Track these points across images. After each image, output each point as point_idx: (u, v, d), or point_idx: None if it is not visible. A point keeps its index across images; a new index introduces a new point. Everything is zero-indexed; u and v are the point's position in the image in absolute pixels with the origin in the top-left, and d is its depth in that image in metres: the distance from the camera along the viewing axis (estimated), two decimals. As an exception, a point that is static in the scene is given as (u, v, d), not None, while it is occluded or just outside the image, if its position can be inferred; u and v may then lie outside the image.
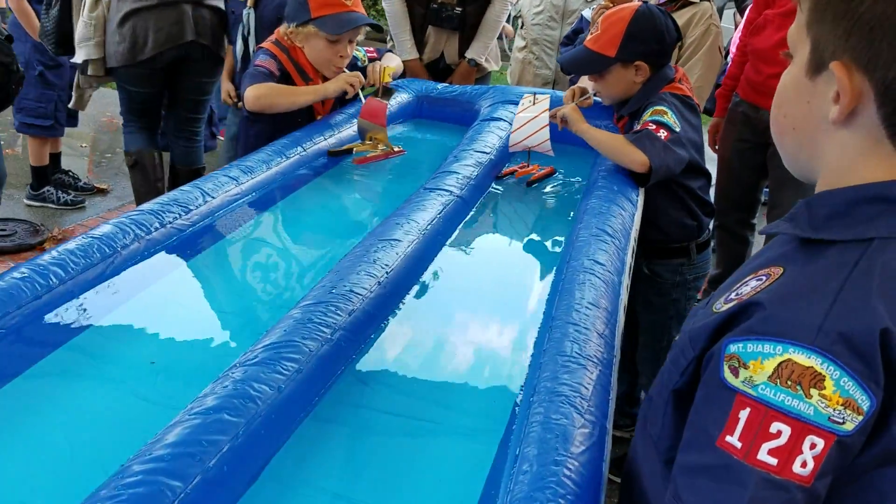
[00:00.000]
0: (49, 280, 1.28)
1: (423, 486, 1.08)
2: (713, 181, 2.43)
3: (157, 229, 1.54)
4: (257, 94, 2.20)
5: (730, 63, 3.41)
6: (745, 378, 0.71)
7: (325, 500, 1.05)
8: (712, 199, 2.37)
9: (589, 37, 2.11)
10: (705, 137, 2.21)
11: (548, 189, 2.26)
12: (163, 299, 1.45)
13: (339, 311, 1.27)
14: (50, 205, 3.97)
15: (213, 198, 1.73)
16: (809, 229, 0.78)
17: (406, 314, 1.47)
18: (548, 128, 2.15)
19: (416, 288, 1.56)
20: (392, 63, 2.69)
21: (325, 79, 2.40)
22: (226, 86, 3.35)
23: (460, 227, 1.88)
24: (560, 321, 1.32)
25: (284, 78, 2.31)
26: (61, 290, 1.29)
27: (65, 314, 1.30)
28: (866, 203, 0.75)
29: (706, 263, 2.37)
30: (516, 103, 2.81)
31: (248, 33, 3.12)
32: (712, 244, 2.34)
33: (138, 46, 3.10)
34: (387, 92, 2.37)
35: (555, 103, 2.33)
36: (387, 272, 1.44)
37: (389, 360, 1.33)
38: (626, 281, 1.58)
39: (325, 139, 2.26)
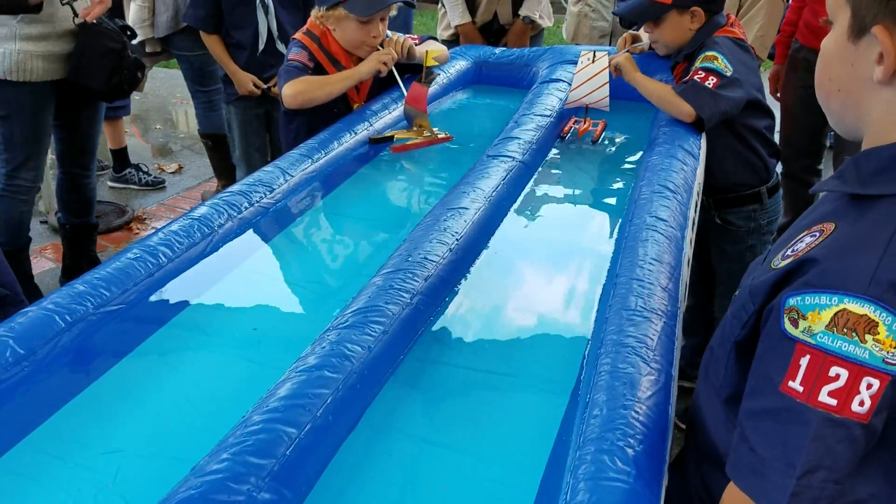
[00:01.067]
0: (159, 259, 1.43)
1: (503, 431, 1.19)
2: (776, 128, 2.44)
3: (246, 208, 1.68)
4: (294, 91, 2.19)
5: (787, 9, 3.35)
6: (804, 328, 0.78)
7: (414, 445, 1.17)
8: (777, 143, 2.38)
9: None
10: (766, 83, 2.27)
11: (608, 144, 2.32)
12: (257, 273, 1.59)
13: (416, 277, 1.38)
14: (132, 186, 4.20)
15: (292, 176, 1.86)
16: (858, 185, 0.83)
17: (477, 277, 1.58)
18: (608, 85, 2.20)
19: (485, 252, 1.66)
20: (434, 47, 2.61)
21: (359, 62, 2.37)
22: (240, 76, 3.18)
23: (525, 190, 1.96)
24: (624, 277, 1.40)
25: (317, 69, 2.30)
26: (170, 267, 1.44)
27: (173, 291, 1.46)
28: None
29: (779, 207, 2.37)
30: (574, 63, 2.86)
31: (267, 12, 3.11)
32: (780, 190, 2.35)
33: (180, 13, 3.31)
34: (428, 76, 2.34)
35: (612, 58, 2.43)
36: (457, 239, 1.55)
37: (463, 321, 1.44)
38: (689, 235, 1.65)
39: (370, 126, 2.28)
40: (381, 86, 2.48)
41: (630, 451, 0.99)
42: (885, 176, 0.82)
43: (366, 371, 1.16)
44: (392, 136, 2.22)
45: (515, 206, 1.88)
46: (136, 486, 1.02)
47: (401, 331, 1.29)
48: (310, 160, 1.96)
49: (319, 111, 2.27)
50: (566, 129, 2.28)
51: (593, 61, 2.18)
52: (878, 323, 0.75)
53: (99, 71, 2.62)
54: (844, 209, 0.85)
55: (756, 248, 2.32)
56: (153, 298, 1.41)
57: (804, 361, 0.78)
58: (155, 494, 0.94)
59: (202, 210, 1.61)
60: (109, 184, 4.21)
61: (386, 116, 2.37)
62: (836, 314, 0.76)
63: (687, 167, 1.87)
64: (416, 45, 2.54)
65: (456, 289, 1.51)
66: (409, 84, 2.34)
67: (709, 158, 2.07)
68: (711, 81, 1.94)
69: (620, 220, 1.75)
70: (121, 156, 4.18)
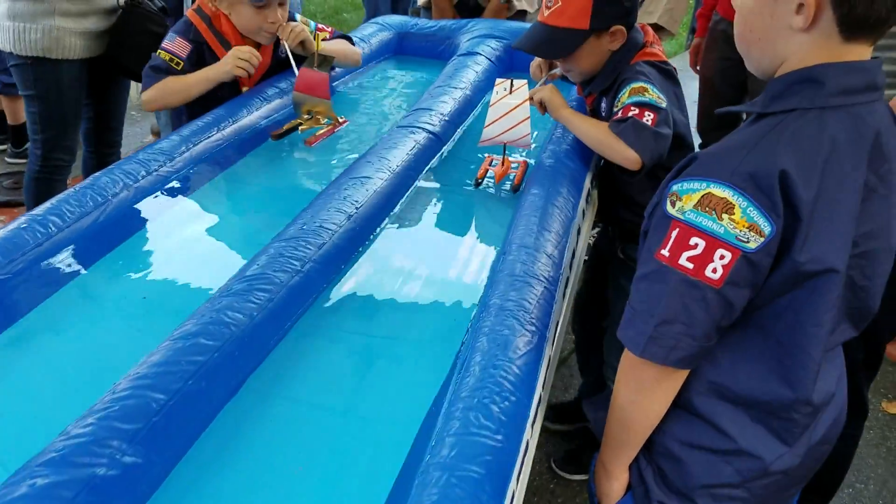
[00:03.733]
0: (48, 228, 1.42)
1: (387, 393, 1.23)
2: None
3: (143, 177, 1.67)
4: (149, 99, 2.10)
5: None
6: (678, 208, 0.94)
7: (302, 409, 1.20)
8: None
9: (545, 10, 1.72)
10: (685, 88, 1.87)
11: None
12: (150, 242, 1.59)
13: (308, 245, 1.40)
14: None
15: (194, 146, 1.85)
16: (761, 106, 0.98)
17: (376, 248, 1.61)
18: (529, 120, 1.82)
19: (386, 223, 1.69)
20: (337, 46, 2.40)
21: (252, 44, 2.20)
22: None
23: (433, 162, 1.99)
24: (514, 244, 1.45)
25: (199, 54, 2.13)
26: (60, 237, 1.43)
27: (62, 261, 1.45)
28: (797, 83, 0.94)
29: None
30: (498, 38, 2.90)
31: None
32: None
33: None
34: (324, 61, 2.21)
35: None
36: (356, 208, 1.57)
37: (359, 290, 1.47)
38: (581, 205, 1.70)
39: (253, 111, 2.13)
40: (275, 67, 2.32)
41: (494, 407, 1.04)
42: (779, 99, 0.96)
43: (246, 338, 1.18)
44: (295, 127, 2.09)
45: (421, 175, 1.90)
46: (12, 450, 1.02)
47: (289, 299, 1.31)
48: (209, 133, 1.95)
49: (202, 100, 2.12)
50: (481, 172, 1.91)
51: (510, 92, 1.80)
52: (734, 206, 0.90)
53: (140, 51, 2.57)
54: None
55: None
56: (41, 268, 1.40)
57: (674, 234, 0.94)
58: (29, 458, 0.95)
59: (97, 179, 1.59)
60: (8, 160, 4.05)
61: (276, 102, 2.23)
62: (702, 196, 0.92)
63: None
64: (328, 39, 2.39)
65: (353, 258, 1.54)
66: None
67: (617, 189, 1.90)
68: (649, 118, 1.60)
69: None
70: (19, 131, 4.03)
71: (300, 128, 2.09)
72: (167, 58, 2.10)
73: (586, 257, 2.12)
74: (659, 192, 1.02)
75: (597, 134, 1.69)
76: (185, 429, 1.05)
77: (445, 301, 1.47)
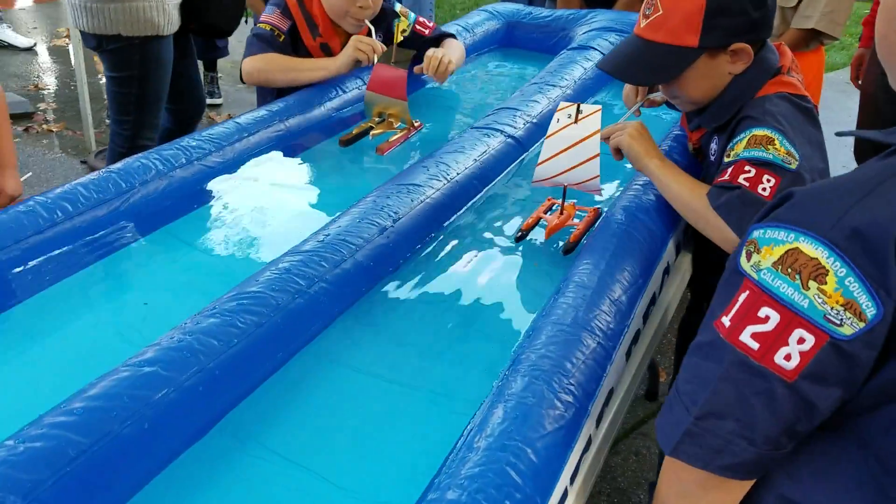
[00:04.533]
0: (54, 215, 1.30)
1: (379, 465, 1.00)
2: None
3: (182, 165, 1.53)
4: (253, 69, 1.97)
5: (878, -17, 2.92)
6: (754, 262, 0.70)
7: (271, 464, 0.98)
8: None
9: (642, 19, 1.34)
10: (847, 100, 1.49)
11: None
12: (171, 239, 1.43)
13: (322, 262, 1.19)
14: None
15: (250, 136, 1.70)
16: (882, 135, 0.71)
17: (415, 267, 1.37)
18: (599, 158, 1.37)
19: (432, 239, 1.44)
20: (446, 50, 2.10)
21: (341, 33, 2.06)
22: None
23: (511, 168, 1.72)
24: (572, 283, 1.18)
25: (291, 32, 2.01)
26: (66, 226, 1.31)
27: (62, 253, 1.32)
28: None
29: None
30: (619, 32, 2.57)
31: None
32: None
33: None
34: (402, 55, 1.93)
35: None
36: (393, 221, 1.34)
37: (377, 324, 1.24)
38: (674, 240, 1.38)
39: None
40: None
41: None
42: None
43: (217, 371, 0.99)
44: (366, 131, 1.86)
45: (488, 187, 1.64)
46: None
47: (284, 324, 1.10)
48: (275, 122, 1.79)
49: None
50: (529, 221, 1.48)
51: (576, 120, 1.36)
52: (828, 271, 0.65)
53: (233, 10, 2.65)
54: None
55: None
56: (36, 259, 1.27)
57: (742, 297, 0.70)
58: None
59: (128, 164, 1.46)
60: None
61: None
62: (786, 252, 0.68)
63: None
64: (425, 36, 2.18)
65: (380, 280, 1.31)
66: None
67: (714, 253, 1.32)
68: (768, 185, 1.18)
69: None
70: None
71: (371, 133, 1.85)
72: (268, 32, 1.97)
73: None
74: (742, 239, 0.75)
75: (690, 200, 1.29)
76: (115, 485, 0.86)
77: (479, 348, 1.21)
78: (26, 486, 0.78)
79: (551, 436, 0.90)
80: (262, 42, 1.97)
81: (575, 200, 1.50)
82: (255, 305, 1.08)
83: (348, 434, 1.03)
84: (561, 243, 1.44)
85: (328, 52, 2.06)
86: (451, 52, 2.12)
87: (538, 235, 1.47)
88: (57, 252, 1.30)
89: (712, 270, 1.41)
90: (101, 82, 4.33)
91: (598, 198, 1.58)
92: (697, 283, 1.59)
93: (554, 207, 1.50)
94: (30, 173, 3.48)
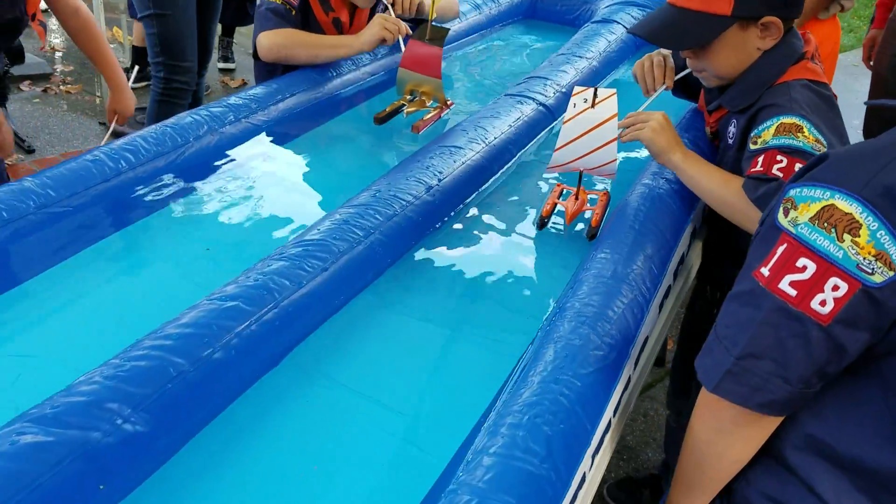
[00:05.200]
0: (119, 165, 1.37)
1: (438, 390, 1.10)
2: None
3: (230, 123, 1.60)
4: (272, 43, 1.86)
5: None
6: (791, 218, 0.77)
7: (341, 395, 1.07)
8: None
9: None
10: (854, 83, 1.51)
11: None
12: (224, 192, 1.51)
13: (377, 215, 1.28)
14: None
15: (291, 96, 1.77)
16: None
17: (455, 226, 1.46)
18: (616, 143, 1.38)
19: (473, 198, 1.53)
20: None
21: (354, 9, 2.01)
22: None
23: (541, 136, 1.81)
24: (610, 239, 1.26)
25: (302, 7, 1.93)
26: (129, 175, 1.38)
27: (127, 200, 1.40)
28: None
29: None
30: (641, 6, 2.64)
31: None
32: None
33: None
34: (437, 33, 1.79)
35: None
36: (438, 180, 1.43)
37: (425, 271, 1.33)
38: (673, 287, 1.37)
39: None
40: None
41: (547, 429, 0.89)
42: None
43: (290, 308, 1.08)
44: (399, 108, 1.82)
45: (522, 151, 1.72)
46: (31, 393, 0.97)
47: (346, 271, 1.19)
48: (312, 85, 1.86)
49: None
50: (547, 208, 1.48)
51: (593, 105, 1.35)
52: (861, 225, 0.72)
53: None
54: None
55: None
56: (103, 205, 1.35)
57: (780, 250, 0.78)
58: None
59: (181, 119, 1.54)
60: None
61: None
62: (822, 208, 0.75)
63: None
64: None
65: (426, 235, 1.39)
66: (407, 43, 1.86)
67: (727, 239, 1.44)
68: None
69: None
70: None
71: (405, 110, 1.82)
72: (282, 7, 1.88)
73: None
74: (777, 196, 0.82)
75: (723, 194, 1.26)
76: (203, 403, 0.95)
77: (521, 295, 1.31)
78: (136, 398, 0.87)
79: (597, 373, 1.00)
80: (278, 17, 1.87)
81: (582, 186, 1.51)
82: (319, 251, 1.17)
83: (407, 370, 1.13)
84: (580, 226, 1.48)
85: (339, 27, 2.00)
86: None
87: (558, 220, 1.49)
88: (123, 200, 1.38)
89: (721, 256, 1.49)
90: (114, 49, 4.34)
91: (604, 181, 1.61)
92: (705, 271, 1.59)
93: (565, 192, 1.52)
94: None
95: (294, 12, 1.90)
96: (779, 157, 1.20)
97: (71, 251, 1.26)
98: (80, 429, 0.82)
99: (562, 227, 1.48)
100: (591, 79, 2.09)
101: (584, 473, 0.94)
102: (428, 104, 1.86)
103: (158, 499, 0.88)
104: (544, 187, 1.62)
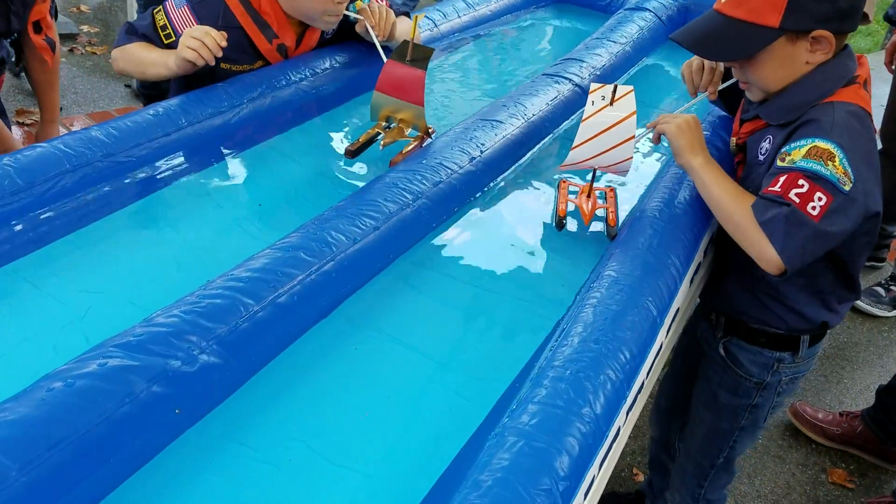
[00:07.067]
0: (179, 121, 1.43)
1: (479, 346, 1.16)
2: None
3: (283, 86, 1.66)
4: (113, 57, 1.64)
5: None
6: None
7: (389, 345, 1.15)
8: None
9: None
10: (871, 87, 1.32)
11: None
12: (276, 150, 1.57)
13: (424, 181, 1.34)
14: None
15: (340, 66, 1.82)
16: None
17: (496, 193, 1.52)
18: (633, 141, 1.34)
19: (512, 170, 1.59)
20: (406, 24, 1.85)
21: (304, 30, 1.76)
22: None
23: (574, 117, 1.86)
24: (649, 210, 1.32)
25: (237, 42, 1.62)
26: (188, 131, 1.44)
27: (186, 154, 1.46)
28: None
29: (813, 359, 1.49)
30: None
31: None
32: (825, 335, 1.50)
33: None
34: (419, 52, 1.51)
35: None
36: (481, 151, 1.49)
37: (470, 236, 1.40)
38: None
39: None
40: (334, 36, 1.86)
41: (588, 384, 0.95)
42: None
43: (345, 261, 1.14)
44: (373, 140, 1.57)
45: (559, 129, 1.78)
46: (100, 327, 1.04)
47: (396, 231, 1.26)
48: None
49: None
50: (562, 208, 1.46)
51: (611, 102, 1.33)
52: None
53: None
54: None
55: (761, 410, 1.50)
56: (164, 158, 1.41)
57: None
58: (113, 337, 0.96)
59: (238, 80, 1.59)
60: None
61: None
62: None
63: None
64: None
65: (469, 202, 1.46)
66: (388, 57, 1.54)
67: (732, 255, 1.37)
68: (819, 204, 1.14)
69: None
70: None
71: (381, 143, 1.55)
72: (161, 23, 1.61)
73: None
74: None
75: (732, 210, 1.22)
76: (270, 339, 1.02)
77: (559, 264, 1.38)
78: (212, 333, 0.94)
79: (635, 335, 1.06)
80: (131, 34, 1.63)
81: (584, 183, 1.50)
82: (372, 211, 1.23)
83: (450, 325, 1.20)
84: (601, 227, 1.46)
85: (284, 53, 1.74)
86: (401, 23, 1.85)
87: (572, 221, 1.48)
88: (180, 155, 1.45)
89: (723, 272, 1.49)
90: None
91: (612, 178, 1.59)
92: (706, 290, 1.53)
93: (571, 189, 1.50)
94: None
95: (172, 39, 1.59)
96: (801, 182, 1.15)
97: (129, 201, 1.33)
98: (162, 356, 0.89)
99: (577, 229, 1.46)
100: (623, 63, 2.14)
101: (619, 427, 1.01)
102: (406, 133, 1.58)
103: (223, 429, 0.95)
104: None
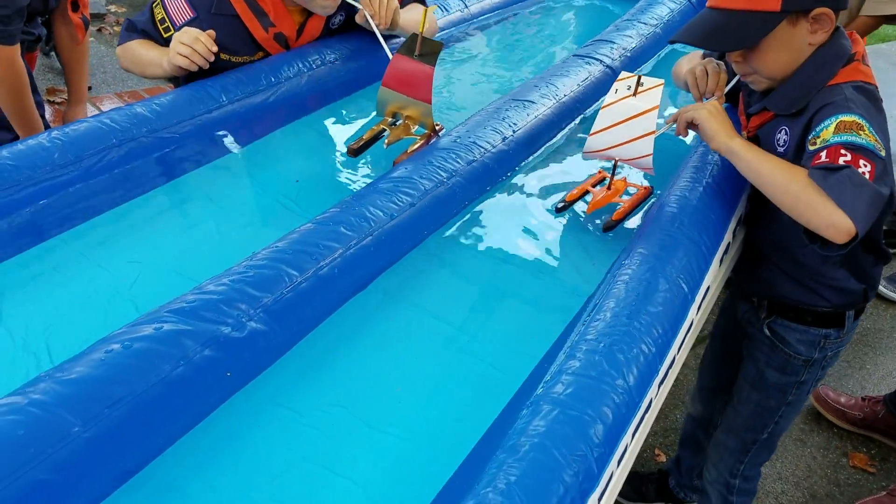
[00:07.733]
0: (220, 99, 1.47)
1: (511, 320, 1.19)
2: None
3: (317, 66, 1.69)
4: (118, 55, 1.66)
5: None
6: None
7: (417, 315, 1.18)
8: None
9: None
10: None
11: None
12: (314, 130, 1.61)
13: (458, 159, 1.37)
14: None
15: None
16: None
17: (528, 171, 1.55)
18: (654, 136, 1.33)
19: (543, 150, 1.61)
20: (416, 14, 1.78)
21: (307, 18, 1.72)
22: None
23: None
24: (675, 194, 1.34)
25: (232, 29, 1.60)
26: (228, 109, 1.48)
27: (228, 131, 1.50)
28: None
29: (853, 333, 1.55)
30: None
31: None
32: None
33: None
34: (429, 47, 1.45)
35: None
36: (513, 131, 1.51)
37: (502, 215, 1.42)
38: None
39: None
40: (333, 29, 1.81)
41: (621, 356, 0.98)
42: None
43: (383, 236, 1.18)
44: (379, 135, 1.54)
45: (589, 109, 1.80)
46: (147, 295, 1.08)
47: (431, 207, 1.28)
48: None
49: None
50: (575, 192, 1.46)
51: (635, 93, 1.31)
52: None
53: None
54: None
55: (806, 386, 1.54)
56: (206, 135, 1.45)
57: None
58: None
59: (274, 60, 1.62)
60: None
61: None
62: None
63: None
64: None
65: (501, 181, 1.48)
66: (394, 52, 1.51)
67: (771, 236, 1.41)
68: (867, 169, 1.13)
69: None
70: None
71: (386, 141, 1.50)
72: (159, 17, 1.60)
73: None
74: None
75: (788, 182, 1.17)
76: (311, 310, 1.06)
77: (589, 243, 1.40)
78: (259, 301, 0.97)
79: (667, 312, 1.08)
80: (131, 31, 1.64)
81: (626, 176, 1.49)
82: (408, 188, 1.26)
83: (483, 299, 1.23)
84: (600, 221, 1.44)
85: (283, 42, 1.70)
86: (412, 10, 1.82)
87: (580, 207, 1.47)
88: (222, 132, 1.48)
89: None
90: None
91: (649, 176, 1.55)
92: (744, 273, 1.56)
93: (604, 181, 1.47)
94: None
95: (171, 32, 1.57)
96: (843, 152, 1.14)
97: (172, 176, 1.37)
98: (213, 322, 0.93)
99: (582, 217, 1.45)
100: (653, 45, 2.15)
101: (651, 399, 1.03)
102: (413, 131, 1.53)
103: (269, 394, 0.99)
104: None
